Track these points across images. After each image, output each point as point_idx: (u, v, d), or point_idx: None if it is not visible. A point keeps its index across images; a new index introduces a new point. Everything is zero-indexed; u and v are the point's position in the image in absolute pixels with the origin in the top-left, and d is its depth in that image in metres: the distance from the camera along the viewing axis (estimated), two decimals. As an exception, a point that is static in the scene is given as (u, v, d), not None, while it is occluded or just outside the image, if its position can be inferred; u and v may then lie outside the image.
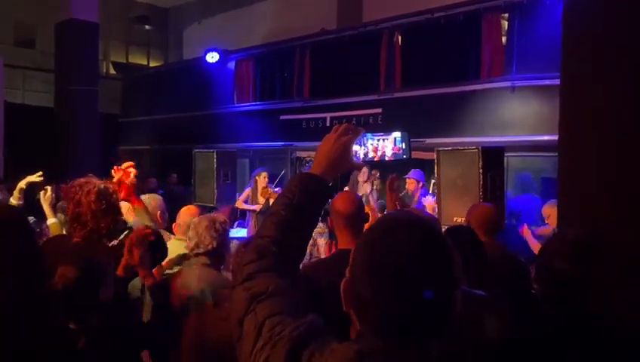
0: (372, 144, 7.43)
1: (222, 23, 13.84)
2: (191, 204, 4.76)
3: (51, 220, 3.48)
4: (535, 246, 4.47)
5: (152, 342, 2.30)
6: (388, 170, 7.54)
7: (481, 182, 4.60)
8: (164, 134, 12.19)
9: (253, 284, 1.07)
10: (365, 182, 6.63)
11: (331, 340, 0.98)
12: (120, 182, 2.56)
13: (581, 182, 2.98)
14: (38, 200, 3.53)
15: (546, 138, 6.21)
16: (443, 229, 2.97)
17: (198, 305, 2.60)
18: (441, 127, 7.75)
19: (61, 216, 3.69)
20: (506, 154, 5.28)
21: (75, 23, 10.71)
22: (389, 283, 0.93)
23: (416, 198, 6.48)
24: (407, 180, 6.66)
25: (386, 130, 7.49)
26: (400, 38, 8.66)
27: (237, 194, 7.31)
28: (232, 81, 11.26)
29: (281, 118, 10.10)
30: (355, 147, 1.28)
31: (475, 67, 7.88)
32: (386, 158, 7.41)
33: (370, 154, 7.36)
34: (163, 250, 2.57)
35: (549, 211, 4.83)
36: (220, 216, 3.05)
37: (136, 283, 2.59)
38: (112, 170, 2.71)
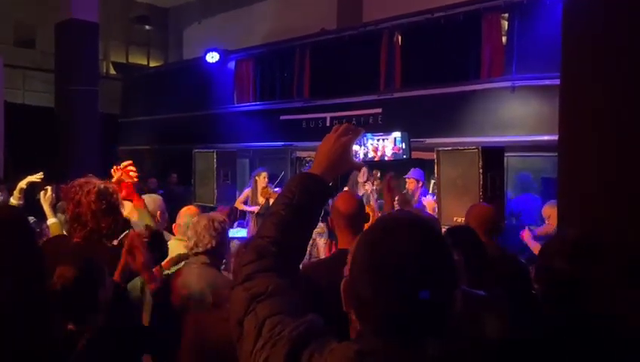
0: (372, 144, 7.44)
1: (222, 23, 13.84)
2: (191, 204, 4.76)
3: (51, 220, 3.48)
4: (536, 248, 4.47)
5: (153, 343, 2.30)
6: (388, 169, 7.56)
7: (481, 182, 4.60)
8: (164, 134, 12.19)
9: (253, 284, 1.07)
10: (365, 182, 6.63)
11: (331, 340, 0.98)
12: (120, 181, 2.55)
13: (581, 182, 2.98)
14: (39, 200, 3.52)
15: (546, 138, 6.21)
16: (443, 229, 2.97)
17: (198, 305, 2.60)
18: (441, 127, 7.75)
19: (61, 216, 3.69)
20: (506, 154, 5.28)
21: (75, 23, 10.71)
22: (389, 283, 0.93)
23: (416, 198, 6.48)
24: (407, 180, 6.66)
25: (386, 130, 7.50)
26: (400, 38, 8.66)
27: (237, 193, 7.31)
28: (232, 81, 11.27)
29: (281, 118, 10.10)
30: (355, 147, 1.28)
31: (475, 67, 7.88)
32: (386, 158, 7.42)
33: (371, 154, 7.37)
34: (163, 250, 2.57)
35: (550, 211, 4.82)
36: (219, 215, 3.05)
37: (136, 283, 2.59)
38: (112, 170, 2.71)
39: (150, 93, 13.00)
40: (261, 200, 6.78)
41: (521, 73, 7.13)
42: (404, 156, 7.14)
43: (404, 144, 7.31)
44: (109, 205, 2.37)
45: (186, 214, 3.45)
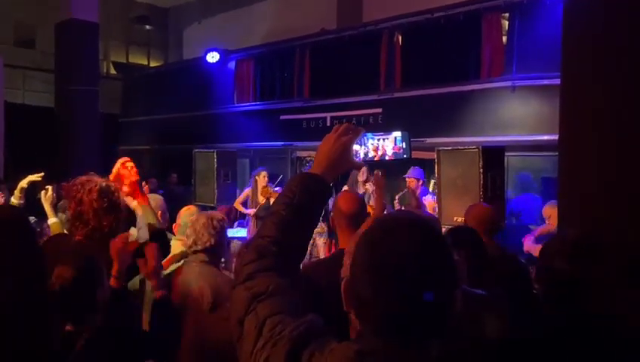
0: (372, 144, 7.43)
1: (222, 23, 13.84)
2: (191, 204, 4.77)
3: (52, 220, 3.48)
4: (537, 250, 4.46)
5: (154, 346, 2.29)
6: (388, 169, 7.56)
7: (482, 182, 4.60)
8: (165, 134, 12.19)
9: (254, 284, 1.07)
10: (365, 181, 6.63)
11: (331, 340, 0.98)
12: (119, 175, 2.52)
13: (581, 182, 2.98)
14: (39, 199, 3.53)
15: (546, 138, 6.21)
16: (443, 229, 2.97)
17: (198, 303, 2.60)
18: (442, 126, 7.75)
19: (62, 215, 3.69)
20: (506, 154, 5.28)
21: (75, 23, 10.71)
22: (389, 283, 0.93)
23: (415, 197, 6.48)
24: (407, 179, 6.66)
25: (386, 129, 7.48)
26: (400, 38, 8.66)
27: (238, 193, 7.31)
28: (232, 81, 11.27)
29: (281, 117, 10.10)
30: (356, 147, 1.28)
31: (475, 67, 7.88)
32: (387, 158, 7.39)
33: (371, 154, 7.35)
34: (166, 248, 2.56)
35: (550, 212, 4.82)
36: (218, 213, 3.06)
37: (135, 282, 2.59)
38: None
39: (150, 93, 13.00)
40: (261, 199, 6.78)
41: (522, 73, 7.13)
42: (405, 156, 7.12)
43: (404, 144, 7.30)
44: (110, 203, 2.37)
45: (186, 214, 3.46)
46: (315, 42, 9.81)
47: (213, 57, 11.11)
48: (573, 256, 1.76)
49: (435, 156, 5.06)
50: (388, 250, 0.95)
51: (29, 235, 1.88)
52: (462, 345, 1.24)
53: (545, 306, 1.82)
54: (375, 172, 6.75)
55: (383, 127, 7.98)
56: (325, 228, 6.64)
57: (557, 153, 3.19)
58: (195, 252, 2.76)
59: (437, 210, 5.20)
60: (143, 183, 2.60)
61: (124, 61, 16.49)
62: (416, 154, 7.37)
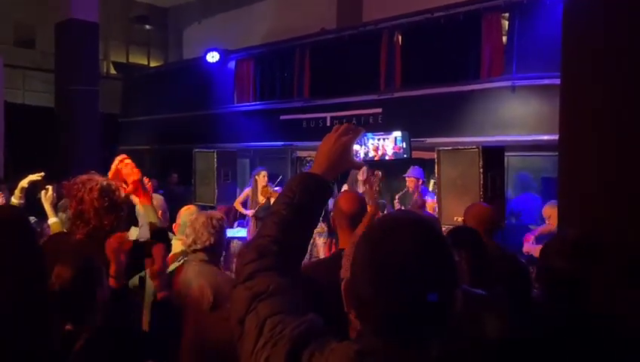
0: (373, 143, 7.44)
1: (222, 23, 13.84)
2: (191, 203, 4.77)
3: (52, 220, 3.48)
4: (536, 250, 4.47)
5: (154, 346, 2.29)
6: (388, 169, 7.57)
7: (482, 182, 4.60)
8: (165, 134, 12.19)
9: (254, 283, 1.07)
10: (365, 181, 6.62)
11: (331, 339, 0.98)
12: (118, 172, 2.51)
13: (581, 182, 2.98)
14: (39, 199, 3.53)
15: (546, 138, 6.21)
16: (443, 229, 2.97)
17: (198, 302, 2.60)
18: (442, 126, 7.75)
19: (62, 215, 3.69)
20: (506, 154, 5.28)
21: (75, 23, 10.70)
22: (390, 283, 0.93)
23: (416, 196, 6.48)
24: (407, 179, 6.67)
25: (386, 129, 7.50)
26: (400, 37, 8.66)
27: (238, 193, 7.31)
28: (232, 80, 11.27)
29: (281, 117, 10.10)
30: (356, 146, 1.28)
31: (475, 67, 7.88)
32: (387, 158, 7.41)
33: (371, 154, 7.35)
34: (168, 247, 2.56)
35: (550, 212, 4.83)
36: (217, 212, 3.06)
37: (134, 282, 2.59)
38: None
39: (150, 93, 13.00)
40: (261, 199, 6.78)
41: (521, 73, 7.13)
42: (405, 156, 7.13)
43: (404, 143, 7.31)
44: (111, 202, 2.36)
45: (186, 213, 3.46)
46: (315, 42, 9.81)
47: (213, 57, 11.11)
48: (573, 256, 1.76)
49: (435, 156, 5.06)
50: (388, 249, 0.95)
51: (29, 235, 1.87)
52: (462, 345, 1.24)
53: (545, 306, 1.82)
54: (375, 172, 6.76)
55: (383, 127, 7.98)
56: (325, 228, 6.64)
57: (557, 153, 3.19)
58: (195, 251, 2.76)
59: (437, 209, 5.20)
60: (147, 180, 2.58)
61: (124, 61, 16.49)
62: (416, 154, 7.40)
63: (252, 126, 10.45)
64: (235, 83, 11.23)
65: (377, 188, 6.63)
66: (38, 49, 14.31)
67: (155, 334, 2.33)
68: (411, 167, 6.73)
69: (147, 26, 16.41)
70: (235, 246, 6.49)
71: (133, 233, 3.34)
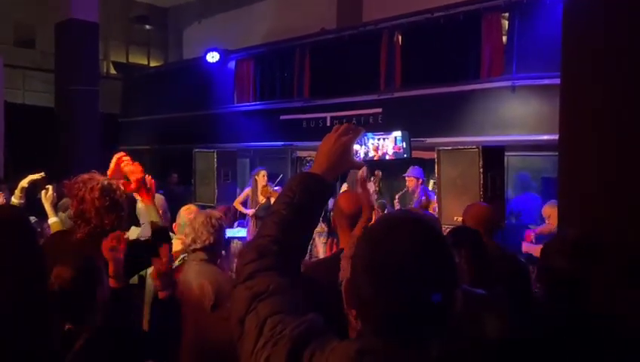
0: (373, 143, 7.46)
1: (222, 23, 13.83)
2: (191, 203, 4.77)
3: (52, 219, 3.48)
4: (537, 250, 4.46)
5: (153, 346, 2.29)
6: (389, 169, 7.57)
7: (482, 182, 4.60)
8: (165, 134, 12.19)
9: (254, 283, 1.07)
10: (361, 183, 6.62)
11: (332, 339, 0.98)
12: (117, 169, 2.51)
13: (581, 182, 2.98)
14: (40, 199, 3.53)
15: (546, 137, 6.21)
16: (444, 229, 2.97)
17: (199, 301, 2.60)
18: (442, 126, 7.76)
19: (62, 214, 3.70)
20: (506, 154, 5.28)
21: (75, 23, 10.70)
22: (389, 283, 0.93)
23: (416, 195, 6.48)
24: (407, 178, 6.67)
25: (386, 129, 7.52)
26: (400, 37, 8.66)
27: (238, 192, 7.31)
28: (232, 80, 11.27)
29: (281, 117, 10.10)
30: (356, 146, 1.28)
31: (475, 67, 7.88)
32: (387, 157, 7.43)
33: (371, 153, 7.37)
34: (169, 246, 2.56)
35: (550, 211, 4.83)
36: (216, 212, 3.06)
37: (134, 280, 2.59)
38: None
39: (150, 93, 13.00)
40: (261, 198, 6.78)
41: (522, 73, 7.14)
42: (405, 155, 7.15)
43: (404, 143, 7.33)
44: (112, 202, 2.36)
45: (186, 213, 3.46)
46: (315, 42, 9.81)
47: (213, 57, 11.11)
48: (573, 256, 1.76)
49: (435, 156, 5.06)
50: (388, 249, 0.95)
51: (29, 235, 1.87)
52: (462, 345, 1.24)
53: (545, 306, 1.82)
54: (376, 172, 6.75)
55: (383, 126, 7.98)
56: (325, 228, 6.64)
57: (557, 153, 3.19)
58: (194, 250, 2.76)
59: (437, 209, 5.20)
60: (149, 177, 2.58)
61: (124, 61, 16.48)
62: (416, 154, 7.41)
63: (252, 126, 10.45)
64: (235, 83, 11.23)
65: (377, 189, 6.65)
66: (38, 49, 14.30)
67: (155, 334, 2.33)
68: (411, 166, 6.74)
69: (147, 26, 16.40)
70: (235, 246, 6.49)
71: (134, 232, 3.34)
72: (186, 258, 2.89)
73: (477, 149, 4.71)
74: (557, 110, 3.18)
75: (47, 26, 12.09)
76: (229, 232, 6.39)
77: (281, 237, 1.13)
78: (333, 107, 9.31)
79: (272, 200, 6.12)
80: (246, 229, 7.06)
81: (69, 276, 1.92)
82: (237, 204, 7.13)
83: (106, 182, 2.40)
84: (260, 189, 6.83)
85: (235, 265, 2.83)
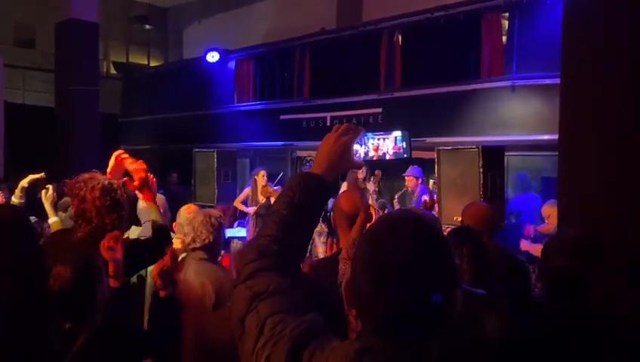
0: (373, 143, 7.46)
1: (222, 23, 13.83)
2: (191, 203, 4.77)
3: (52, 219, 3.49)
4: (536, 249, 4.46)
5: (153, 345, 2.29)
6: (388, 169, 7.57)
7: (482, 182, 4.59)
8: (165, 134, 12.19)
9: (255, 283, 1.07)
10: (364, 180, 6.63)
11: (332, 338, 0.98)
12: (118, 167, 2.51)
13: (581, 182, 2.98)
14: (40, 199, 3.53)
15: (546, 137, 6.21)
16: (444, 229, 2.97)
17: (199, 300, 2.60)
18: (442, 126, 7.76)
19: (62, 214, 3.70)
20: (506, 154, 5.28)
21: (75, 23, 10.70)
22: (389, 282, 0.93)
23: (416, 195, 6.48)
24: (406, 178, 6.67)
25: (387, 129, 7.53)
26: (400, 37, 8.66)
27: (238, 192, 7.30)
28: (232, 80, 11.27)
29: (281, 117, 10.10)
30: (356, 146, 1.28)
31: (475, 67, 7.88)
32: (387, 157, 7.43)
33: (371, 153, 7.37)
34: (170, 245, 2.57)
35: (549, 211, 4.83)
36: (215, 211, 3.06)
37: (133, 279, 2.59)
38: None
39: (150, 93, 13.00)
40: (261, 198, 6.78)
41: (522, 73, 7.14)
42: (405, 155, 7.14)
43: (404, 143, 7.33)
44: (113, 201, 2.37)
45: (186, 213, 3.46)
46: (315, 42, 9.81)
47: (213, 57, 11.11)
48: (573, 256, 1.76)
49: (435, 156, 5.06)
50: (388, 248, 0.95)
51: (29, 235, 1.87)
52: (462, 345, 1.24)
53: (545, 306, 1.83)
54: (376, 172, 6.75)
55: (383, 126, 7.98)
56: (325, 228, 6.64)
57: (557, 153, 3.19)
58: (194, 249, 2.76)
59: (437, 209, 5.20)
60: (151, 176, 2.58)
61: (124, 61, 16.48)
62: (416, 154, 7.41)
63: (252, 126, 10.45)
64: (235, 83, 11.23)
65: (377, 189, 6.65)
66: (38, 49, 14.30)
67: (155, 334, 2.33)
68: (410, 166, 6.74)
69: (147, 26, 16.40)
70: (235, 245, 6.49)
71: (135, 232, 3.34)
72: (185, 257, 2.89)
73: (477, 149, 4.70)
74: (557, 110, 3.18)
75: (47, 26, 12.09)
76: (229, 232, 6.40)
77: (282, 237, 1.13)
78: (333, 107, 9.31)
79: (272, 199, 6.12)
80: (246, 229, 7.06)
81: (69, 276, 1.92)
82: (237, 203, 7.13)
83: (106, 182, 2.40)
84: (259, 189, 6.82)
85: (235, 264, 2.83)
